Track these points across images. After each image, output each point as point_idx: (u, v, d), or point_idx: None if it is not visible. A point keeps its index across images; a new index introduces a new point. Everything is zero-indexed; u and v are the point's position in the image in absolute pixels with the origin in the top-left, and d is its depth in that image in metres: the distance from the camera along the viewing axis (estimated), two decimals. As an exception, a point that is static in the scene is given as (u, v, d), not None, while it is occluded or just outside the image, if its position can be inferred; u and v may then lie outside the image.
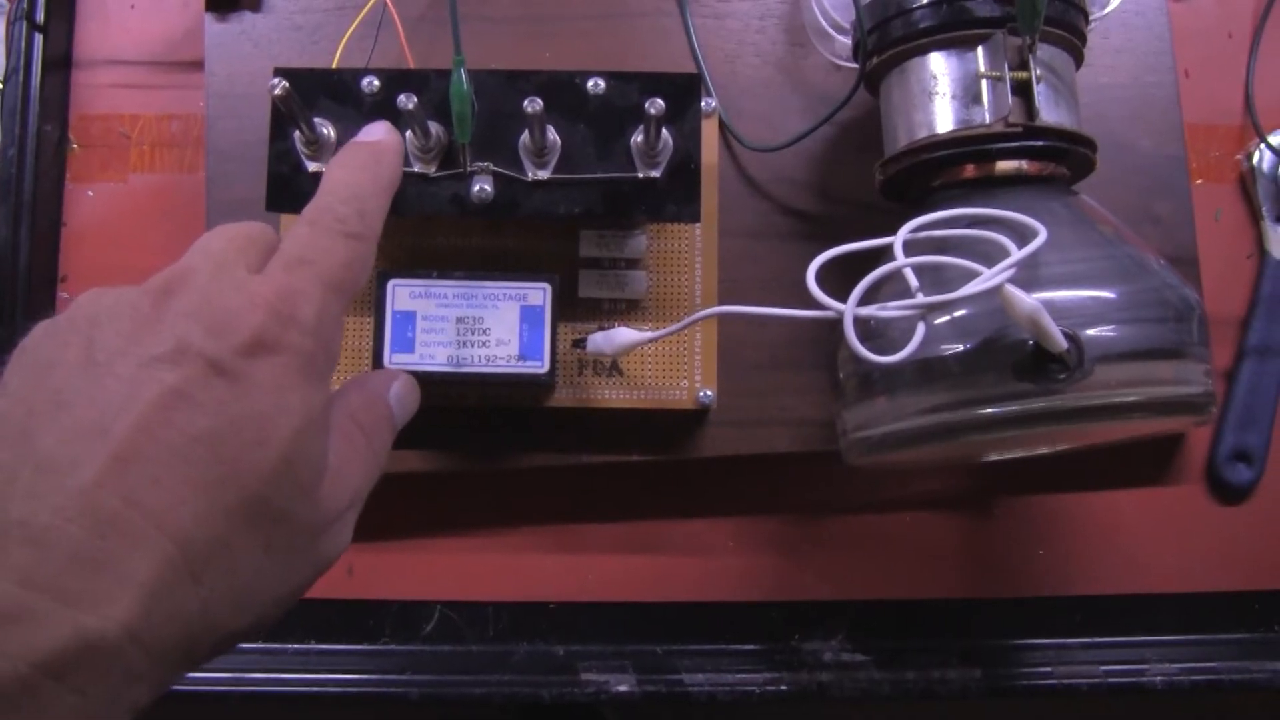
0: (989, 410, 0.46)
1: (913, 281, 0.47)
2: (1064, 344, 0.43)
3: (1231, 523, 0.65)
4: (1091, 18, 0.60)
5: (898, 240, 0.48)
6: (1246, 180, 0.67)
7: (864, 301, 0.46)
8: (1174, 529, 0.65)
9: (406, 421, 0.47)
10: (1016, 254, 0.45)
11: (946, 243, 0.48)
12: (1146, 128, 0.64)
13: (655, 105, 0.51)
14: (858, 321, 0.46)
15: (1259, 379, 0.65)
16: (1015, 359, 0.45)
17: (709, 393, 0.59)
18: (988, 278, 0.44)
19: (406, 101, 0.51)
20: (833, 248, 0.48)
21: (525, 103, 0.51)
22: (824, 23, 0.61)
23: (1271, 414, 0.65)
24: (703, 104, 0.60)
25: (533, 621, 0.64)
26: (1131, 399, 0.46)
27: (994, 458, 0.59)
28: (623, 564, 0.64)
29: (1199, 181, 0.67)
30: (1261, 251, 0.67)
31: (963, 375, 0.46)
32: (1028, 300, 0.43)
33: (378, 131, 0.48)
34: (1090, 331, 0.45)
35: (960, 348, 0.46)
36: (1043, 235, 0.46)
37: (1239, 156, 0.68)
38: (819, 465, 0.62)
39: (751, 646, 0.64)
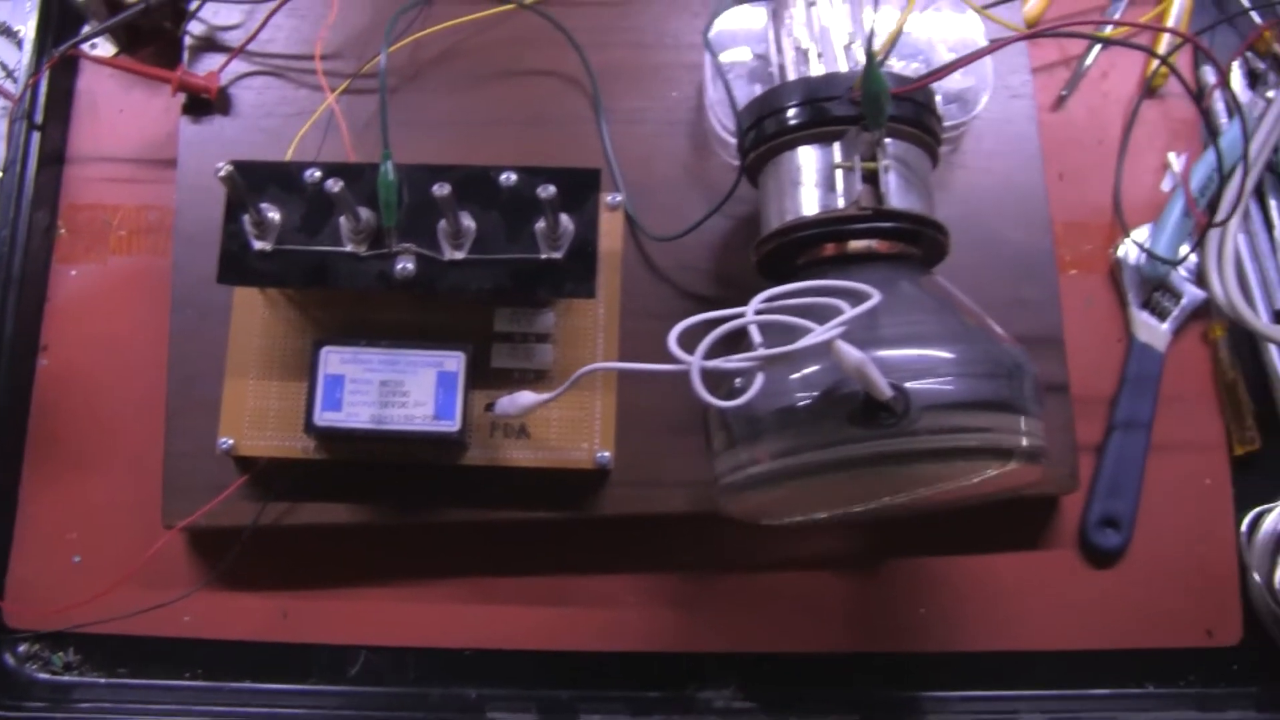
0: (826, 453, 0.50)
1: (755, 338, 0.52)
2: (889, 393, 0.48)
3: (1102, 585, 0.70)
4: (961, 120, 0.68)
5: (750, 307, 0.54)
6: (1115, 271, 0.74)
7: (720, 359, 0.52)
8: (1049, 590, 0.70)
9: None
10: (848, 313, 0.51)
11: (803, 312, 0.54)
12: (1017, 222, 0.70)
13: (546, 190, 0.58)
14: (714, 376, 0.52)
15: (1125, 450, 0.70)
16: (850, 408, 0.50)
17: (606, 454, 0.65)
18: (820, 333, 0.50)
19: (334, 185, 0.58)
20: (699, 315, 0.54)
21: (435, 187, 0.58)
22: (720, 130, 0.68)
23: (1138, 483, 0.70)
24: (610, 198, 0.68)
25: (448, 666, 0.69)
26: (956, 444, 0.50)
27: (859, 509, 0.63)
28: (532, 615, 0.69)
29: (1073, 272, 0.73)
30: (1129, 336, 0.73)
31: (807, 422, 0.51)
32: (855, 353, 0.48)
33: None
34: (919, 383, 0.50)
35: (807, 399, 0.51)
36: (876, 298, 0.51)
37: (1110, 250, 0.74)
38: (715, 526, 0.66)
39: (649, 694, 0.68)
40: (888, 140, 0.58)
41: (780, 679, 0.69)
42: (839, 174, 0.58)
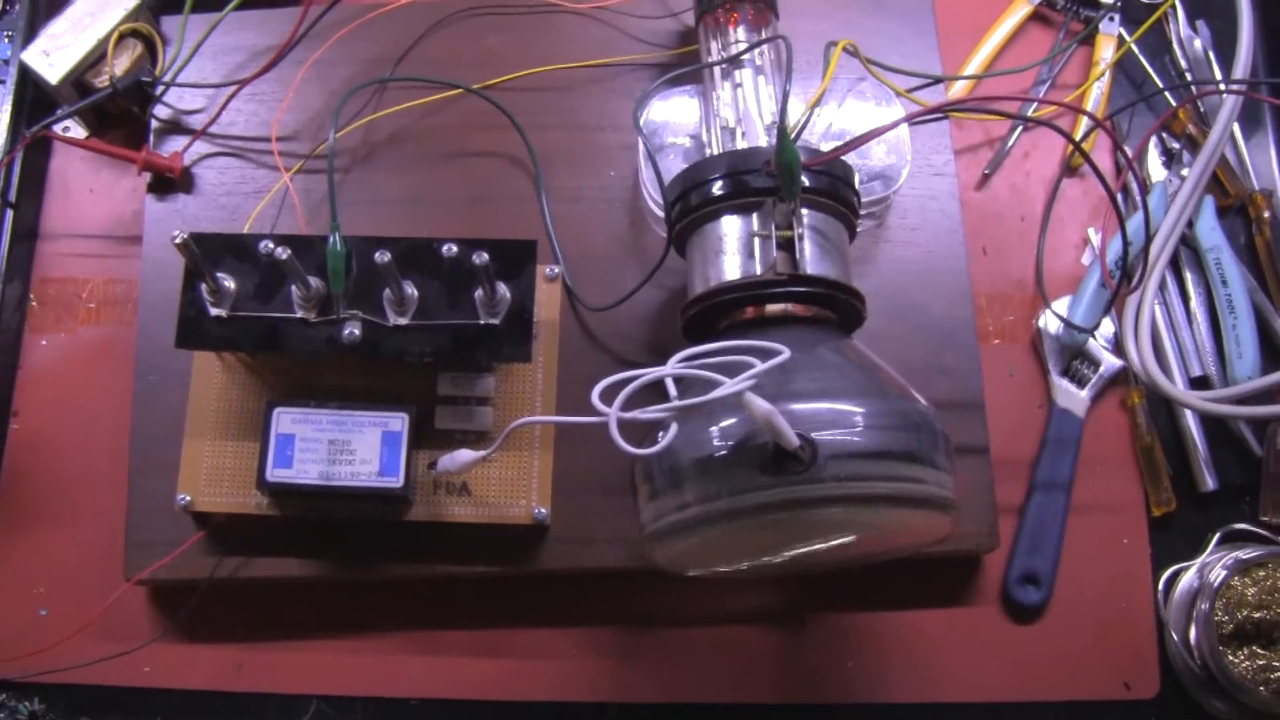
0: (738, 500, 0.53)
1: (671, 390, 0.56)
2: (795, 442, 0.51)
3: (1024, 639, 0.73)
4: (884, 195, 0.71)
5: (668, 365, 0.57)
6: (1036, 341, 0.77)
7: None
8: (972, 645, 0.72)
9: None
10: (757, 367, 0.54)
11: (721, 370, 0.57)
12: (938, 293, 0.74)
13: (480, 256, 0.62)
14: (639, 431, 0.55)
15: (1045, 510, 0.74)
16: (761, 457, 0.52)
17: (543, 510, 0.68)
18: (730, 386, 0.53)
19: (282, 253, 0.62)
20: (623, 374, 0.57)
21: (376, 254, 0.62)
22: (654, 205, 0.72)
23: (1057, 541, 0.73)
24: (548, 270, 0.71)
25: (396, 715, 0.72)
26: (862, 491, 0.53)
27: (781, 559, 0.65)
28: (476, 666, 0.72)
29: (996, 342, 0.77)
30: (1049, 402, 0.76)
31: (722, 471, 0.54)
32: (763, 405, 0.51)
33: None
34: (827, 434, 0.52)
35: (722, 449, 0.54)
36: (785, 354, 0.54)
37: (1032, 321, 0.78)
38: (651, 581, 0.70)
39: (589, 741, 0.72)
40: (804, 210, 0.62)
41: (714, 729, 0.72)
42: (757, 242, 0.61)
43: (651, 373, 0.56)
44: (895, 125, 0.63)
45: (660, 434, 0.55)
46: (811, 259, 0.61)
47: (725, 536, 0.56)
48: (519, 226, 0.74)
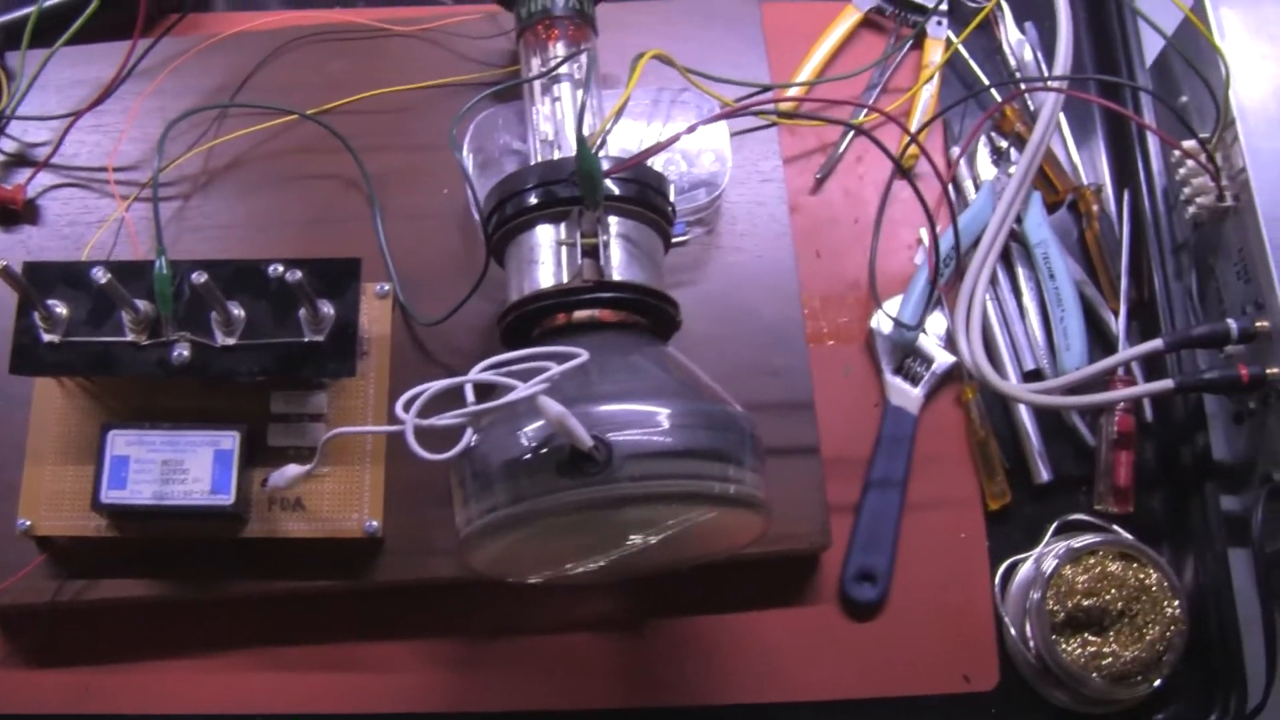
0: (537, 502, 0.53)
1: (469, 397, 0.57)
2: (589, 443, 0.52)
3: (863, 636, 0.74)
4: (706, 201, 0.73)
5: (470, 375, 0.58)
6: (870, 341, 0.78)
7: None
8: (811, 643, 0.73)
9: None
10: (551, 371, 0.55)
11: (526, 375, 0.58)
12: (768, 296, 0.75)
13: (293, 275, 0.64)
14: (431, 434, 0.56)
15: (880, 507, 0.75)
16: (559, 459, 0.53)
17: (374, 523, 0.69)
18: (522, 390, 0.54)
19: (101, 276, 0.64)
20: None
21: (193, 276, 0.63)
22: (480, 219, 0.73)
23: (893, 538, 0.74)
24: (378, 288, 0.73)
25: (244, 731, 0.73)
26: (658, 490, 0.53)
27: (600, 562, 0.66)
28: (321, 681, 0.72)
29: (831, 343, 0.78)
30: (884, 400, 0.77)
31: (524, 474, 0.54)
32: (555, 407, 0.52)
33: None
34: (624, 434, 0.53)
35: (523, 453, 0.54)
36: (582, 358, 0.56)
37: (866, 321, 0.79)
38: (488, 591, 0.71)
39: (430, 752, 0.72)
40: (613, 218, 0.63)
41: (556, 734, 0.73)
42: (564, 250, 0.63)
43: (449, 382, 0.57)
44: (693, 129, 0.65)
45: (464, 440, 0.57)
46: (620, 265, 0.63)
47: (532, 539, 0.57)
48: (357, 247, 0.74)
